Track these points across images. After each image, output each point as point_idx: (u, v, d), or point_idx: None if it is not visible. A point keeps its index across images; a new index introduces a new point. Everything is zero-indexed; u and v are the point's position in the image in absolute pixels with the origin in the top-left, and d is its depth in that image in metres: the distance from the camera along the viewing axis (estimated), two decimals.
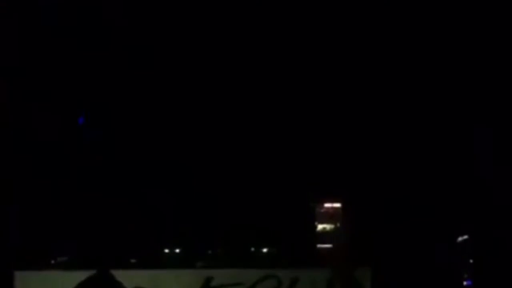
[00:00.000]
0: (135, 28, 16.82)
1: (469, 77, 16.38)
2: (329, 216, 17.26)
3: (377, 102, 16.76)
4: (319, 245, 17.08)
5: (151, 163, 17.12)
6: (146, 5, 16.78)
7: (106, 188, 16.93)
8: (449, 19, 16.28)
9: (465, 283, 16.64)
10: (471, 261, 16.34)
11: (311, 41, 16.75)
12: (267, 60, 16.89)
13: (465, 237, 16.48)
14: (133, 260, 16.94)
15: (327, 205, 17.30)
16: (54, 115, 16.92)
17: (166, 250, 17.22)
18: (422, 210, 16.27)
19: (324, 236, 17.22)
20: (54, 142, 16.89)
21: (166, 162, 17.14)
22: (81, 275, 14.78)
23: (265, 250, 17.24)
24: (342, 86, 16.84)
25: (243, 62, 16.97)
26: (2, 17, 16.28)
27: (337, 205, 17.29)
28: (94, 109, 17.21)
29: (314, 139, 16.92)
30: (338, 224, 17.12)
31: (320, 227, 17.28)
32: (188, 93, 17.13)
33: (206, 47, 16.87)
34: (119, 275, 15.16)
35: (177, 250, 17.24)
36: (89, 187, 16.94)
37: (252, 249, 17.23)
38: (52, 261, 16.72)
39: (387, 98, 16.71)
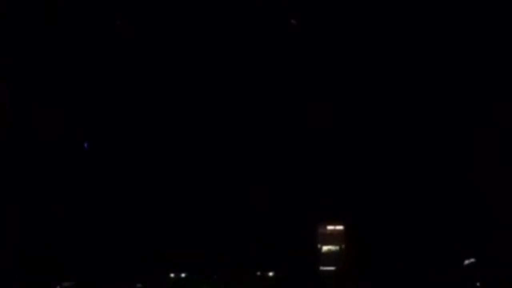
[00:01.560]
0: (134, 30, 16.82)
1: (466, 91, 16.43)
2: (332, 239, 17.18)
3: (376, 122, 16.79)
4: (323, 268, 16.97)
5: (156, 186, 17.09)
6: (145, 7, 16.82)
7: (111, 212, 16.90)
8: (450, 20, 16.31)
9: None
10: (478, 284, 16.25)
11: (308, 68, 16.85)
12: (269, 85, 16.94)
13: (472, 260, 16.39)
14: (139, 285, 16.86)
15: (330, 227, 17.22)
16: (54, 115, 16.92)
17: (172, 274, 17.14)
18: (426, 233, 16.22)
19: (328, 258, 17.14)
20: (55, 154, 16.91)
21: (172, 185, 17.10)
22: None
23: (271, 273, 17.14)
24: (340, 108, 16.87)
25: (247, 89, 17.03)
26: (2, 18, 16.28)
27: (340, 227, 17.22)
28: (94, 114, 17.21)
29: (317, 162, 16.90)
30: (343, 246, 17.05)
31: (324, 249, 17.19)
32: (188, 120, 17.18)
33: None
34: None
35: (183, 274, 17.16)
36: (94, 209, 16.92)
37: (258, 273, 17.15)
38: (58, 287, 16.64)
39: (386, 116, 16.73)
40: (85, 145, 17.25)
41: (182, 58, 16.99)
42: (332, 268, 16.85)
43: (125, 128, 17.19)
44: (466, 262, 16.42)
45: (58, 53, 16.74)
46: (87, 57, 16.82)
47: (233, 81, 16.96)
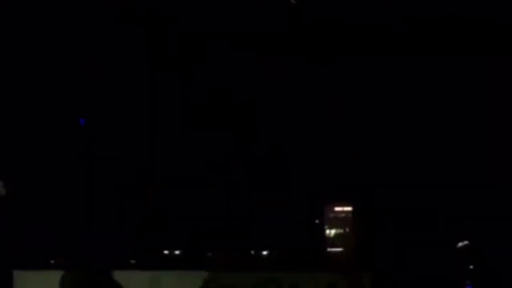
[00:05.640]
0: (134, 29, 16.82)
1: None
2: (339, 220, 17.00)
3: (389, 108, 16.76)
4: (329, 249, 16.81)
5: (153, 164, 17.12)
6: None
7: (106, 188, 16.94)
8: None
9: None
10: (471, 266, 16.32)
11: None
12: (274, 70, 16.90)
13: (466, 242, 16.46)
14: (132, 261, 16.92)
15: (337, 208, 17.07)
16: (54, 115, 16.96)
17: (166, 252, 17.18)
18: (423, 216, 16.25)
19: (334, 239, 16.98)
20: (54, 141, 16.94)
21: (169, 162, 17.12)
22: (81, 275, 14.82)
23: (265, 253, 17.17)
24: (352, 91, 16.84)
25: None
26: (2, 18, 16.29)
27: (348, 208, 17.04)
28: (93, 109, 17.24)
29: (326, 142, 16.85)
30: (348, 228, 16.86)
31: (330, 231, 17.04)
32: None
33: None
34: (119, 275, 15.18)
35: (177, 252, 17.20)
36: (89, 187, 16.96)
37: (252, 252, 17.18)
38: (52, 261, 16.69)
39: (398, 103, 16.71)
40: (81, 121, 17.29)
41: (181, 54, 16.96)
42: (338, 249, 16.76)
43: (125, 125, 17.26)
44: (460, 244, 16.49)
45: (57, 51, 16.77)
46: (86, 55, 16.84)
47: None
